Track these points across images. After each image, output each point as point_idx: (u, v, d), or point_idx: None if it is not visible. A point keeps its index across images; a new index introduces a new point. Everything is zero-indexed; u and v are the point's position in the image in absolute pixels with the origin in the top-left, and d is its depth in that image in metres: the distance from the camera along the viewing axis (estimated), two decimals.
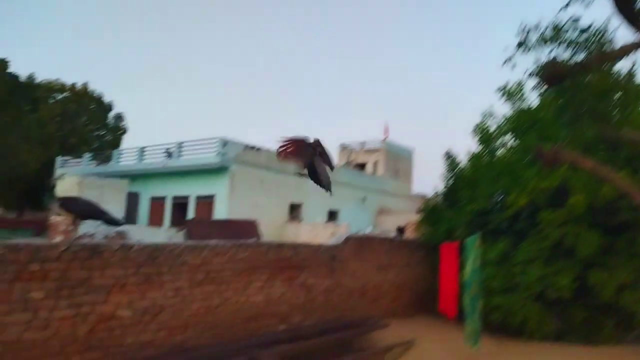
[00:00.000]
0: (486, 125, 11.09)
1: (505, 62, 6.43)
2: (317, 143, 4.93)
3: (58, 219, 14.08)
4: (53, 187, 5.40)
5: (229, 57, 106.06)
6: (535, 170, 9.14)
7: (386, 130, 31.27)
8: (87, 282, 5.26)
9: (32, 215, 24.46)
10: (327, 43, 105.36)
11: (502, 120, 10.88)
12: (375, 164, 30.36)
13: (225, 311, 6.71)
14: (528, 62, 6.50)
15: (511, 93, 10.48)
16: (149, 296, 5.82)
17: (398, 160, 30.95)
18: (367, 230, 19.63)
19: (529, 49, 6.37)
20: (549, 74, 6.10)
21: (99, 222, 6.19)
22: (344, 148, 32.37)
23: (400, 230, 21.91)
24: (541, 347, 8.75)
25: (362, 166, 31.14)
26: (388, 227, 23.85)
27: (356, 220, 22.90)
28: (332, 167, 5.27)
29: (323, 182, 6.35)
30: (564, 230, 8.77)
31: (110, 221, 6.20)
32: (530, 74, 6.60)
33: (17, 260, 4.68)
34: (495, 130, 10.97)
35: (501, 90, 10.53)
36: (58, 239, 9.98)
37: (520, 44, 6.37)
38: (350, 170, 28.81)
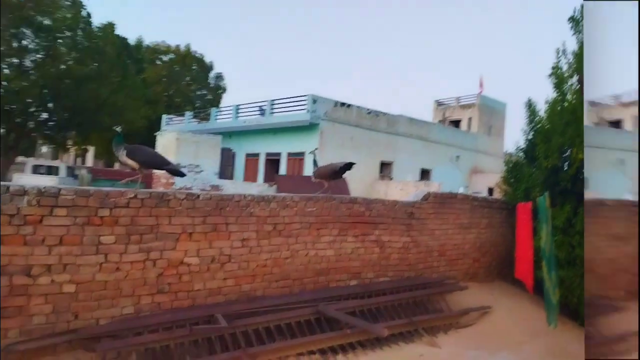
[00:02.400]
0: (559, 65, 8.95)
1: None
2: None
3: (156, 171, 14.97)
4: (119, 135, 5.49)
5: (323, 12, 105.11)
6: None
7: (481, 84, 29.36)
8: (156, 229, 5.44)
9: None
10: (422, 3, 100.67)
11: (572, 57, 8.71)
12: (469, 120, 28.81)
13: (294, 264, 6.69)
14: None
15: (577, 21, 8.36)
16: (216, 245, 5.92)
17: (492, 115, 29.09)
18: (460, 190, 18.79)
19: None
20: None
21: (163, 171, 6.35)
22: (439, 104, 31.01)
23: (491, 191, 20.73)
24: None
25: (457, 123, 29.72)
26: (480, 187, 22.72)
27: (449, 180, 22.07)
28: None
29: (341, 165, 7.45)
30: None
31: (174, 172, 6.37)
32: None
33: (87, 205, 4.92)
34: (566, 70, 8.84)
35: (570, 19, 8.45)
36: (160, 189, 10.56)
37: None
38: (444, 127, 27.59)
